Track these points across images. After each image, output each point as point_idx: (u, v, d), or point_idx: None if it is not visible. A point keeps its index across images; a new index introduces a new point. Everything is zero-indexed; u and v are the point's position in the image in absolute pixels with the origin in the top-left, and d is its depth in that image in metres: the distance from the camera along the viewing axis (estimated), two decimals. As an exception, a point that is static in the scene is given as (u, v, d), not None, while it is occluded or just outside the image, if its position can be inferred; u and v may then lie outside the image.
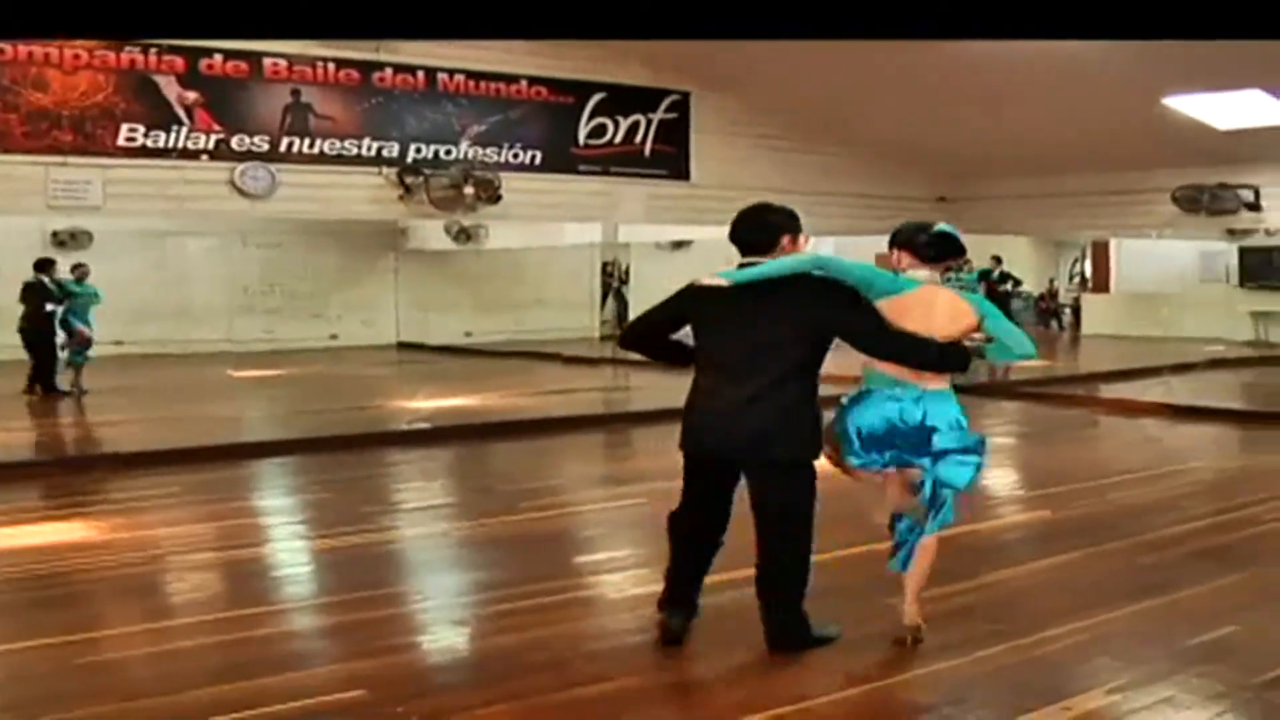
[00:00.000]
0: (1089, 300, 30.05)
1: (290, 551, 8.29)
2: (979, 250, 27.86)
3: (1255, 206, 15.23)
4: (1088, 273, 31.71)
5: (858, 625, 6.05)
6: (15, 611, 6.73)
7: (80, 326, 16.63)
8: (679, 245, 27.30)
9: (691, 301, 5.77)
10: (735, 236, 5.75)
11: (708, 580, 5.99)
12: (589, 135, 14.77)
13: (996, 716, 5.01)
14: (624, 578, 7.29)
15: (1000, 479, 11.71)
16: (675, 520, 5.97)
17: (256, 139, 12.71)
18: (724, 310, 5.59)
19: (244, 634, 6.15)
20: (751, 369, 5.52)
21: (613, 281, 29.34)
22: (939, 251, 5.79)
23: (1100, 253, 30.34)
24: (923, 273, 5.73)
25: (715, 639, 5.92)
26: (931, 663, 5.61)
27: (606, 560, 7.80)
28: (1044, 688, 5.26)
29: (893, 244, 5.86)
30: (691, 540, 5.91)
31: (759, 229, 5.70)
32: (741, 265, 5.64)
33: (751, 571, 5.77)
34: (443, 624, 6.48)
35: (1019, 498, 10.45)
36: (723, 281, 5.53)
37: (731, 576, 6.11)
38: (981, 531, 8.56)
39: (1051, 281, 31.59)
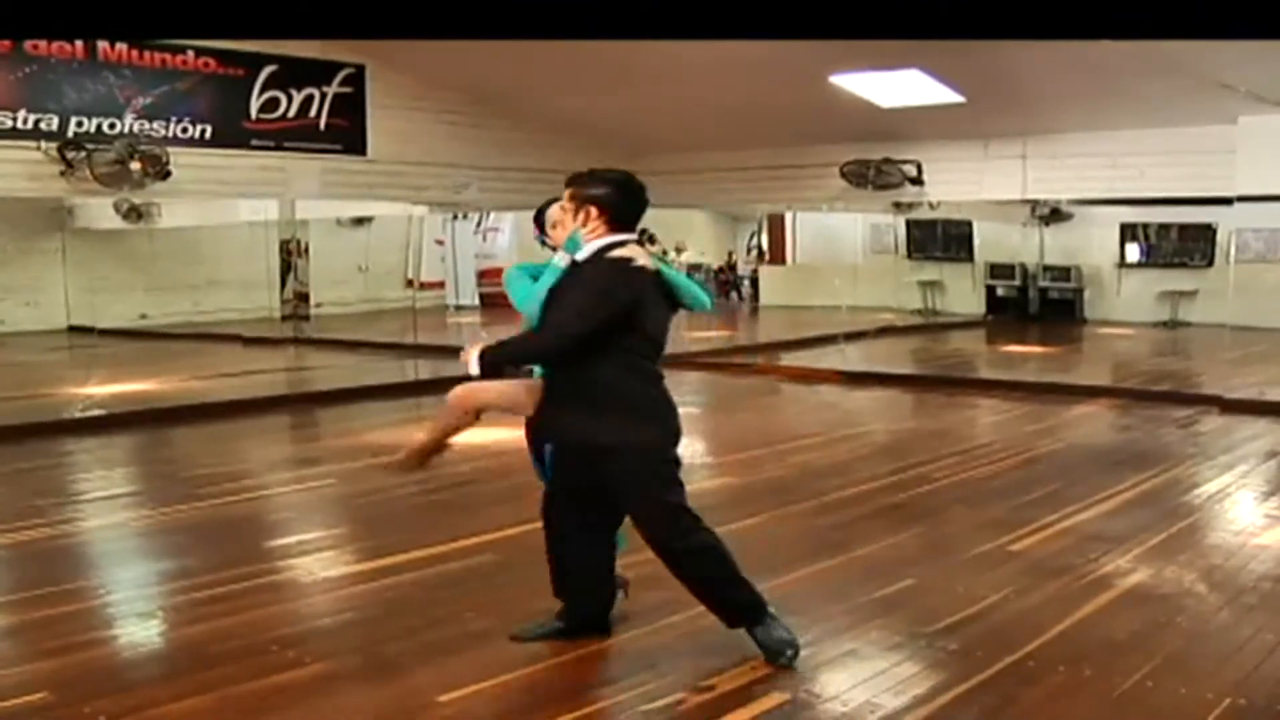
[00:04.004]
0: (766, 272, 30.95)
1: (-43, 550, 7.90)
2: (660, 225, 28.51)
3: (918, 181, 15.98)
4: (764, 245, 32.67)
5: (540, 598, 6.12)
6: None
7: None
8: (359, 221, 26.97)
9: (642, 285, 5.20)
10: (638, 210, 5.38)
11: (402, 558, 5.98)
12: (261, 109, 14.42)
13: (687, 679, 5.18)
14: (315, 560, 7.24)
15: (685, 447, 11.99)
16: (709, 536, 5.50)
17: (-102, 110, 11.99)
18: (656, 294, 5.26)
19: (-90, 639, 5.85)
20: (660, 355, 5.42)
21: (292, 259, 28.74)
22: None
23: (776, 226, 31.25)
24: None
25: (413, 620, 5.94)
26: (618, 633, 5.76)
27: (296, 544, 7.70)
28: (733, 648, 5.45)
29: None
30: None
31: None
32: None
33: (448, 549, 5.80)
34: (128, 618, 6.28)
35: (704, 465, 10.74)
36: (650, 263, 5.22)
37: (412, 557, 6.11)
38: (670, 500, 8.78)
39: (730, 254, 32.43)
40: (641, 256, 5.16)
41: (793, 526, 8.06)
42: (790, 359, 18.52)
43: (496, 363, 5.12)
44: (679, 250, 29.98)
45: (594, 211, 5.19)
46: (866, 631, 5.79)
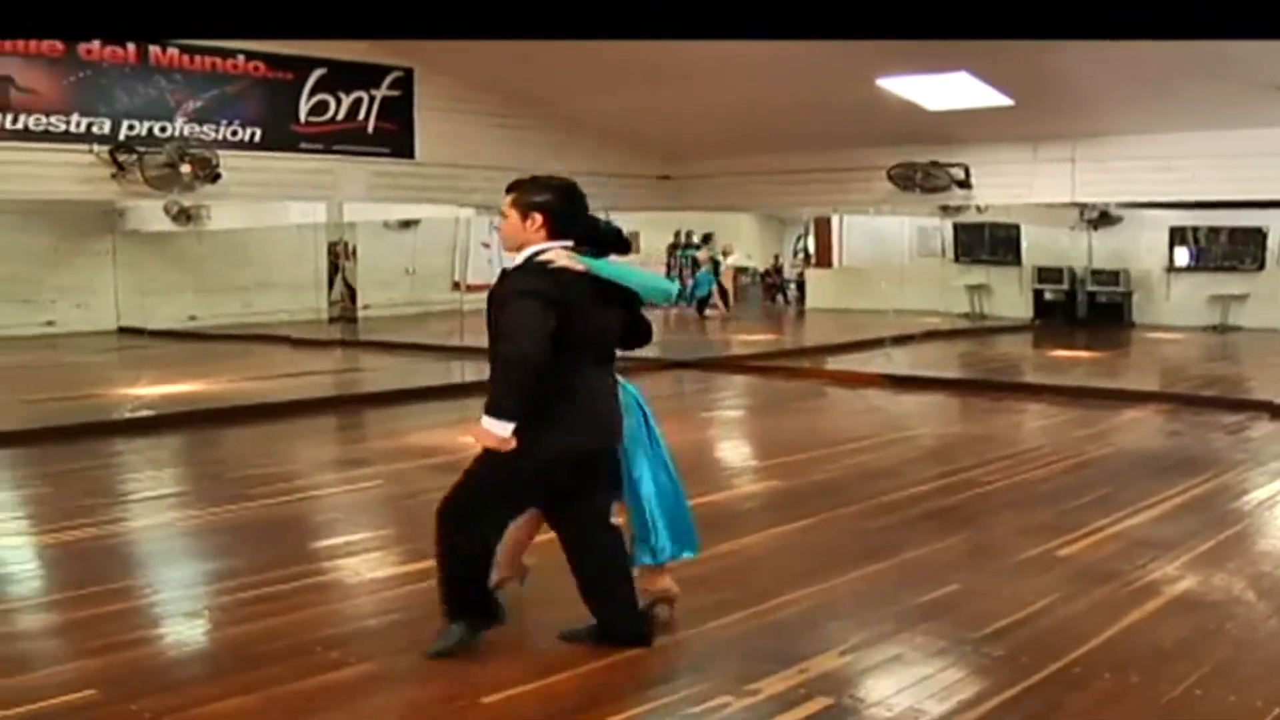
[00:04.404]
0: (813, 275, 30.89)
1: (11, 549, 7.93)
2: (708, 228, 28.54)
3: (966, 184, 15.87)
4: (811, 248, 32.60)
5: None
6: None
7: None
8: (407, 224, 27.08)
9: (568, 287, 5.22)
10: (580, 217, 5.46)
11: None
12: (310, 112, 14.48)
13: (733, 682, 5.14)
14: (361, 561, 7.26)
15: (731, 451, 12.02)
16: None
17: (-48, 114, 12.10)
18: (590, 294, 5.29)
19: (-38, 636, 5.90)
20: (609, 356, 5.49)
21: (340, 262, 28.91)
22: (611, 247, 5.74)
23: (823, 229, 31.19)
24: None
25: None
26: (665, 634, 5.74)
27: (343, 544, 7.73)
28: (779, 652, 5.44)
29: None
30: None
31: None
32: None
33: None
34: (175, 617, 6.32)
35: (750, 468, 10.74)
36: (580, 265, 5.25)
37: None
38: (714, 503, 8.77)
39: (776, 258, 32.38)
40: (564, 259, 5.18)
41: (839, 530, 8.02)
42: (837, 363, 18.46)
43: (511, 407, 5.07)
44: (725, 253, 29.96)
45: (538, 219, 5.28)
46: (912, 636, 5.76)
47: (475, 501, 5.36)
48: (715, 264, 27.60)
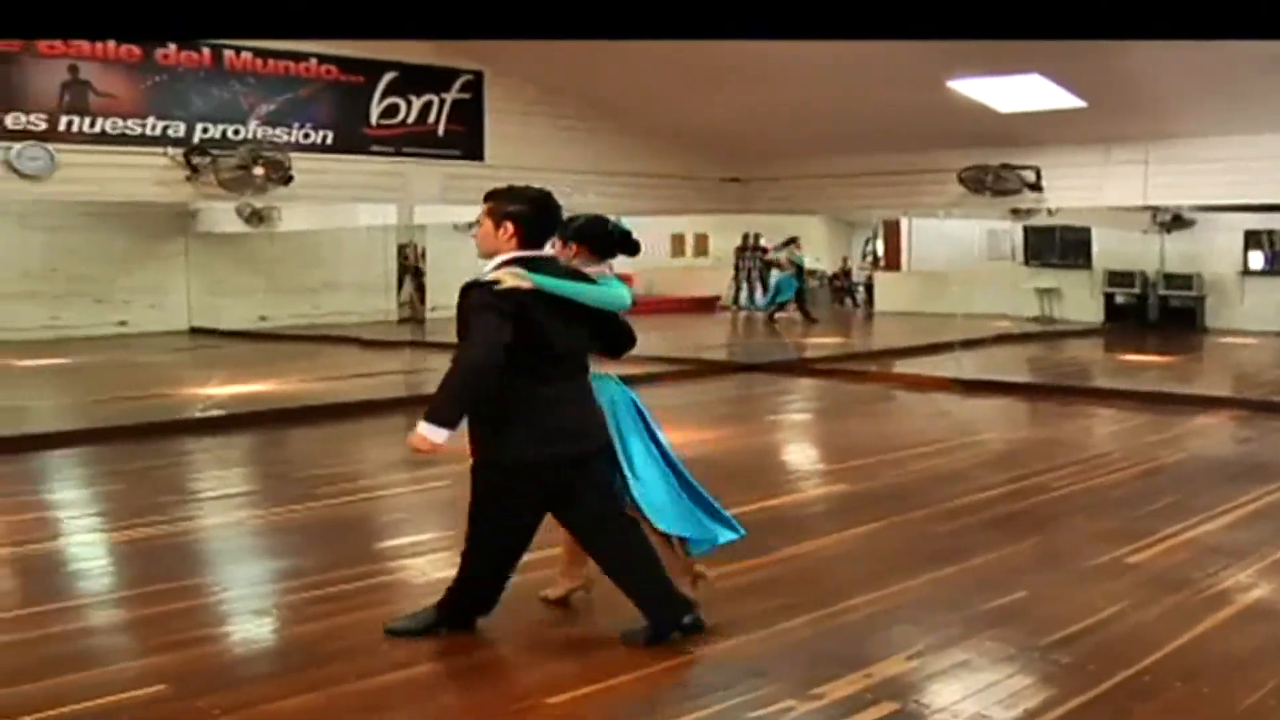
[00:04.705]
0: (881, 278, 30.76)
1: (84, 545, 8.06)
2: (776, 230, 28.42)
3: (1037, 187, 15.74)
4: (879, 251, 32.45)
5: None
6: None
7: None
8: (473, 226, 27.19)
9: (517, 303, 5.36)
10: (551, 227, 5.67)
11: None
12: (381, 115, 14.57)
13: (797, 687, 5.12)
14: (426, 562, 7.27)
15: (799, 454, 11.97)
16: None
17: (33, 117, 12.24)
18: (544, 307, 5.39)
19: (39, 632, 5.99)
20: (579, 367, 5.63)
21: (410, 263, 29.08)
22: (618, 249, 5.97)
23: (892, 232, 31.07)
24: (597, 268, 5.86)
25: (518, 623, 5.95)
26: (728, 638, 5.72)
27: (409, 545, 7.76)
28: (844, 656, 5.41)
29: (567, 238, 5.94)
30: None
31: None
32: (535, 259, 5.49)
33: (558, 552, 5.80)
34: (243, 615, 6.38)
35: (817, 472, 10.69)
36: (527, 283, 5.32)
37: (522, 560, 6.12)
38: (779, 506, 8.76)
39: (845, 260, 32.25)
40: (510, 280, 5.26)
41: (906, 534, 7.96)
42: (905, 366, 18.35)
43: (448, 415, 5.31)
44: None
45: (510, 227, 5.43)
46: (979, 642, 5.70)
47: (475, 530, 5.73)
48: (799, 268, 27.15)
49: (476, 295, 5.29)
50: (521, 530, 5.67)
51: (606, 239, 5.92)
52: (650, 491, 5.86)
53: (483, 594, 5.77)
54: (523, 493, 5.54)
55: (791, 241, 27.07)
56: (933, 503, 8.77)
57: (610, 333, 5.79)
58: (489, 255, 5.51)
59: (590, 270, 5.77)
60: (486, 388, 5.27)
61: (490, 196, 5.58)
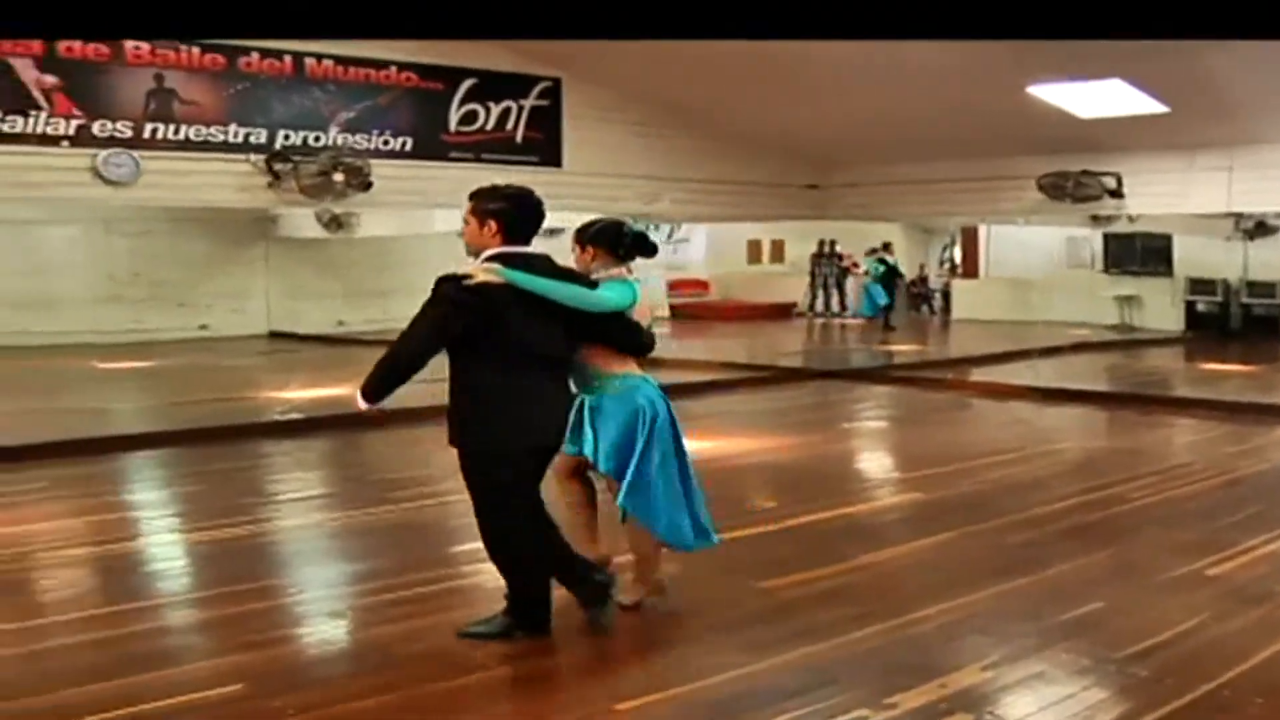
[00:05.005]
0: (959, 285, 30.55)
1: (163, 546, 8.18)
2: (853, 237, 28.29)
3: (1118, 193, 15.59)
4: (957, 258, 32.23)
5: (723, 610, 6.16)
6: (-126, 612, 6.56)
7: None
8: (551, 233, 27.19)
9: (484, 297, 5.63)
10: (533, 224, 5.85)
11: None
12: (460, 122, 14.67)
13: (869, 696, 5.08)
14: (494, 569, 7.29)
15: (873, 462, 11.91)
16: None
17: (119, 125, 12.45)
18: (517, 302, 5.61)
19: (118, 631, 6.08)
20: (553, 361, 5.83)
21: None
22: (633, 251, 6.14)
23: (970, 238, 30.85)
24: (615, 270, 6.08)
25: (585, 631, 5.96)
26: (800, 646, 5.70)
27: (483, 549, 7.77)
28: (917, 666, 5.37)
29: (585, 242, 6.18)
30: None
31: None
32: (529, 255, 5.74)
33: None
34: (320, 616, 6.44)
35: (891, 480, 10.63)
36: (499, 278, 5.54)
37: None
38: (853, 514, 8.72)
39: (922, 267, 32.06)
40: (482, 274, 5.48)
41: (981, 543, 7.89)
42: (982, 374, 18.20)
43: (374, 391, 5.78)
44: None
45: (493, 225, 5.66)
46: (1054, 654, 5.64)
47: (490, 524, 5.81)
48: (891, 271, 26.63)
49: (444, 289, 5.55)
50: (532, 505, 5.82)
51: (622, 241, 6.12)
52: (650, 500, 5.99)
53: (535, 585, 5.83)
54: (512, 473, 5.70)
55: (885, 247, 26.78)
56: (1008, 512, 8.69)
57: (614, 334, 5.95)
58: (476, 253, 5.70)
59: (609, 272, 6.01)
60: (413, 375, 5.68)
61: (473, 196, 5.80)
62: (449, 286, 5.52)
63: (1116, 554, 7.62)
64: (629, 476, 5.92)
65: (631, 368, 6.06)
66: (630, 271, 6.15)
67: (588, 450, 6.08)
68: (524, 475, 5.71)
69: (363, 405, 5.77)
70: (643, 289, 6.09)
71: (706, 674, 5.35)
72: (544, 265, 5.71)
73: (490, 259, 5.58)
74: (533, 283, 5.54)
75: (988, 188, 17.11)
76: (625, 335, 6.00)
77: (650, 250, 6.19)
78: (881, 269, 26.17)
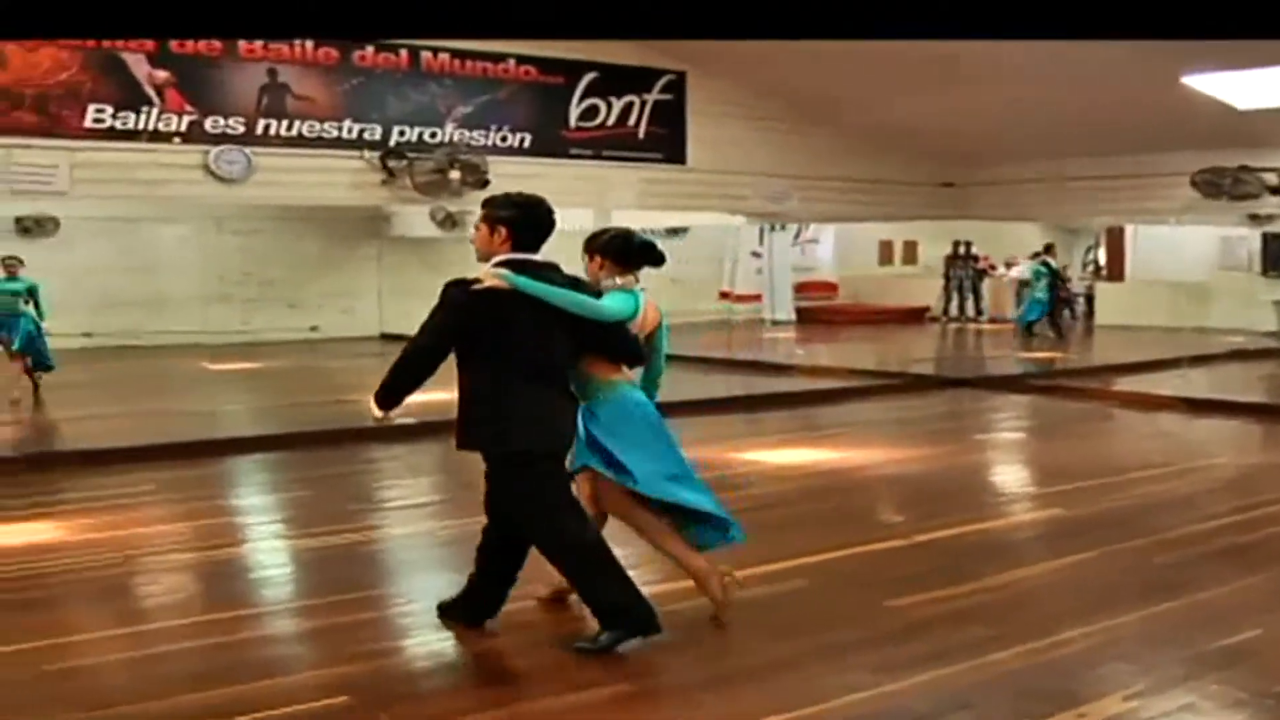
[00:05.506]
0: (1103, 289, 30.10)
1: (270, 551, 8.32)
2: (989, 237, 27.96)
3: (1279, 190, 15.27)
4: (1101, 260, 31.73)
5: (851, 628, 6.11)
6: (-18, 615, 6.74)
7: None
8: (674, 232, 27.30)
9: (491, 303, 5.94)
10: (541, 231, 6.07)
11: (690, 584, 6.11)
12: (580, 117, 14.76)
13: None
14: (618, 579, 7.30)
15: (1009, 475, 11.76)
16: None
17: (231, 121, 12.71)
18: (523, 308, 5.86)
19: (222, 638, 6.18)
20: (553, 368, 6.06)
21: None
22: (640, 260, 6.39)
23: (1115, 240, 30.37)
24: (623, 279, 6.31)
25: (715, 646, 5.95)
26: (931, 668, 5.63)
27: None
28: (1055, 693, 5.29)
29: (594, 251, 6.39)
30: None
31: None
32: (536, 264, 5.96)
33: (757, 572, 5.77)
34: (428, 627, 6.47)
35: (1029, 495, 10.48)
36: (505, 284, 5.82)
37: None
38: (989, 531, 8.61)
39: (1064, 270, 31.60)
40: (490, 279, 5.80)
41: (1125, 564, 7.75)
42: (1127, 383, 17.87)
43: (385, 397, 6.13)
44: (1009, 265, 29.39)
45: (502, 232, 5.94)
46: (1204, 685, 5.51)
47: (542, 522, 6.03)
48: (1054, 275, 25.95)
49: (452, 294, 5.91)
50: (567, 501, 6.06)
51: (629, 251, 6.35)
52: (647, 473, 6.22)
53: (608, 584, 5.95)
54: (534, 475, 5.98)
55: (1047, 249, 26.28)
56: (1155, 531, 8.51)
57: (612, 343, 6.18)
58: (486, 259, 5.98)
59: (617, 281, 6.24)
60: (424, 379, 6.02)
61: (485, 204, 6.12)
62: (456, 291, 5.87)
63: (1274, 578, 7.43)
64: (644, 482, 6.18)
65: (623, 375, 6.35)
66: (638, 281, 6.39)
67: (594, 463, 6.24)
68: (546, 475, 5.97)
69: (377, 413, 6.10)
70: (645, 299, 6.35)
71: (832, 695, 5.31)
72: (551, 272, 5.95)
73: (498, 265, 5.85)
74: (538, 289, 5.79)
75: (1137, 185, 16.85)
76: (623, 346, 6.24)
77: (657, 260, 6.43)
78: (1045, 272, 25.56)
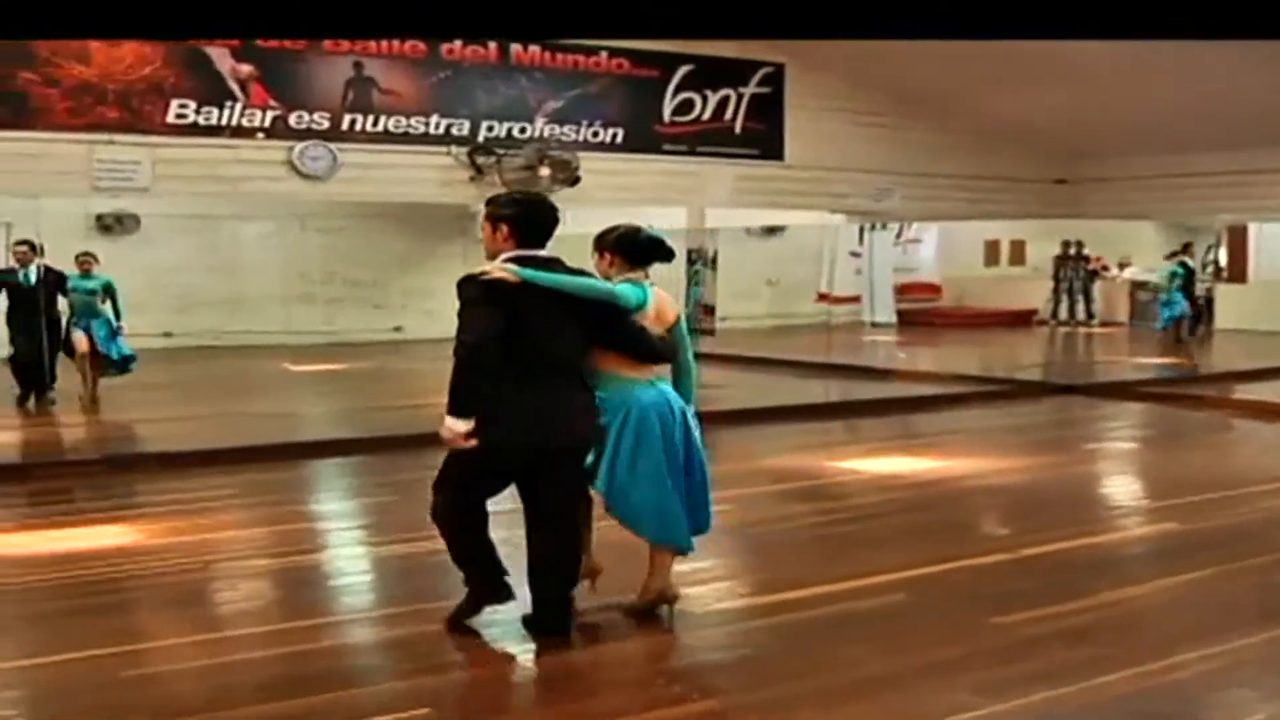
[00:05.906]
0: (1223, 291, 29.60)
1: (350, 558, 8.38)
2: (1099, 236, 27.63)
3: None
4: (1222, 261, 31.25)
5: (955, 646, 6.04)
6: (58, 620, 6.81)
7: (78, 333, 15.00)
8: (770, 231, 27.18)
9: (507, 295, 6.07)
10: (544, 228, 6.30)
11: (803, 594, 6.03)
12: (674, 111, 14.73)
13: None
14: (709, 590, 7.27)
15: (1122, 487, 11.60)
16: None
17: (316, 116, 12.80)
18: (534, 300, 6.03)
19: (301, 646, 6.23)
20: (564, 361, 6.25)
21: (696, 269, 29.21)
22: (650, 256, 6.57)
23: (1237, 239, 29.88)
24: (631, 275, 6.48)
25: (809, 661, 5.91)
26: (1039, 690, 5.54)
27: (690, 572, 7.72)
28: (1171, 718, 5.19)
29: (603, 248, 6.62)
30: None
31: None
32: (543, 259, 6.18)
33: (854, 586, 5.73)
34: (513, 638, 6.46)
35: (1142, 508, 10.33)
36: (514, 277, 5.99)
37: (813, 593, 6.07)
38: (1101, 545, 8.50)
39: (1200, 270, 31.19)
40: (498, 271, 5.97)
41: (1246, 583, 7.60)
42: (1248, 391, 17.57)
43: (460, 405, 5.99)
44: (1122, 265, 29.04)
45: (505, 230, 6.19)
46: (1333, 714, 5.39)
47: (441, 483, 6.49)
48: (1189, 274, 25.35)
49: (469, 289, 5.99)
50: (475, 500, 6.45)
51: (639, 247, 6.55)
52: (634, 504, 6.55)
53: (476, 553, 6.47)
54: (495, 472, 6.30)
55: (1184, 249, 25.84)
56: (1276, 548, 8.36)
57: (625, 337, 6.31)
58: (492, 257, 6.16)
59: (627, 277, 6.41)
60: (489, 371, 5.94)
61: (489, 203, 6.40)
62: (471, 286, 5.97)
63: (1406, 599, 7.27)
64: (603, 484, 6.47)
65: (642, 374, 6.45)
66: (647, 277, 6.54)
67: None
68: (494, 470, 6.24)
69: (460, 427, 5.95)
70: (655, 295, 6.47)
71: (935, 715, 5.25)
72: (556, 266, 6.16)
73: (506, 260, 6.04)
74: (546, 278, 6.00)
75: (1260, 182, 16.59)
76: (633, 341, 6.34)
77: (667, 255, 6.60)
78: (1181, 274, 25.06)
